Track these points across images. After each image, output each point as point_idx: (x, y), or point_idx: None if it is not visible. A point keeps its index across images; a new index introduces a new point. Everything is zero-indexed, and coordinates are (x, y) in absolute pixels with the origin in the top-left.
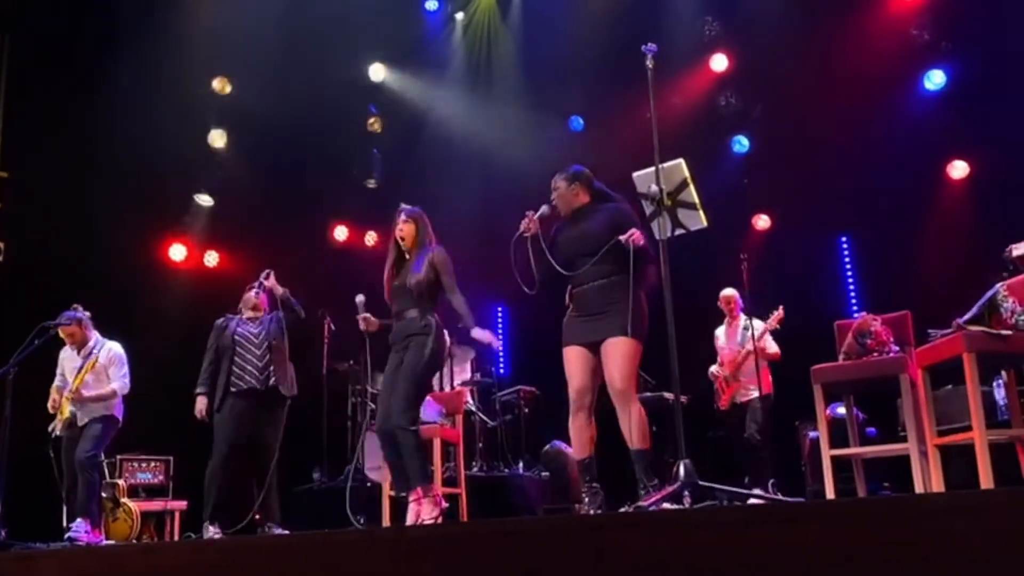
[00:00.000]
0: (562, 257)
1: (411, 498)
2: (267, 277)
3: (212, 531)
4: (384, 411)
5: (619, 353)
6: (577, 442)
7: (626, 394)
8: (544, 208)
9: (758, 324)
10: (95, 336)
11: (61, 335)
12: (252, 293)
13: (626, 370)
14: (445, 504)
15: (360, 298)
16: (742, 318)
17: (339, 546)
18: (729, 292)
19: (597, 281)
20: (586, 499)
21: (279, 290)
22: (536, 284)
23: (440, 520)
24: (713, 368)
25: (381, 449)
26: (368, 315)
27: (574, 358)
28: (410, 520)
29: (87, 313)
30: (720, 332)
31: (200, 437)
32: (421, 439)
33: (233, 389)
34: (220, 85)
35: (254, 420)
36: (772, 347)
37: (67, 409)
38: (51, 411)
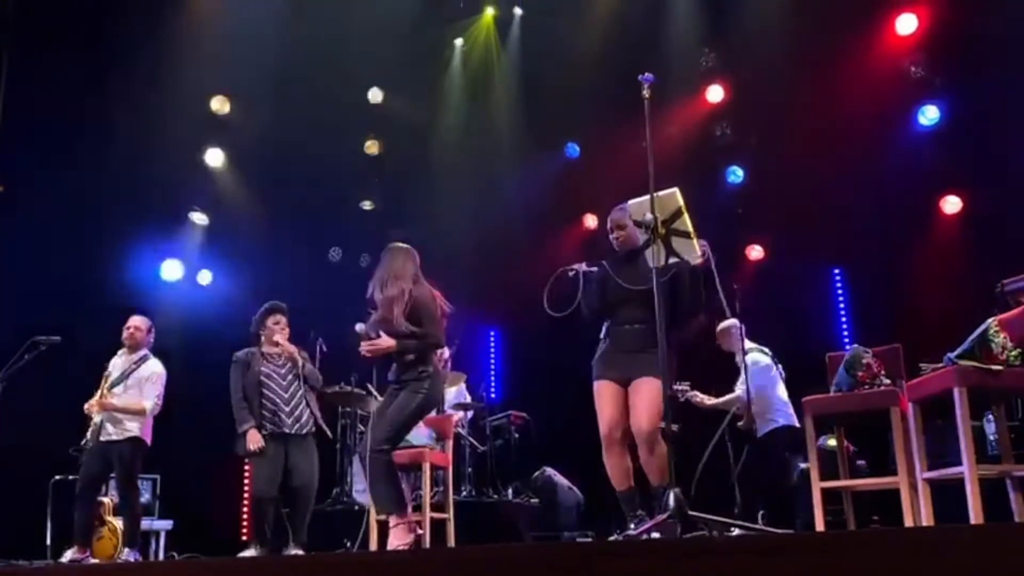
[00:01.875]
0: (614, 295)
1: (391, 523)
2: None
3: (252, 552)
4: (367, 441)
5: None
6: (614, 475)
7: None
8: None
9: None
10: (147, 349)
11: (124, 333)
12: (277, 327)
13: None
14: (420, 531)
15: (360, 326)
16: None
17: (323, 570)
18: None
19: (638, 325)
20: (631, 527)
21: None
22: (567, 311)
23: (411, 547)
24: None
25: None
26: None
27: (605, 392)
28: (390, 545)
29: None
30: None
31: (187, 457)
32: (391, 466)
33: (264, 432)
34: (219, 104)
35: (288, 461)
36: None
37: (97, 417)
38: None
